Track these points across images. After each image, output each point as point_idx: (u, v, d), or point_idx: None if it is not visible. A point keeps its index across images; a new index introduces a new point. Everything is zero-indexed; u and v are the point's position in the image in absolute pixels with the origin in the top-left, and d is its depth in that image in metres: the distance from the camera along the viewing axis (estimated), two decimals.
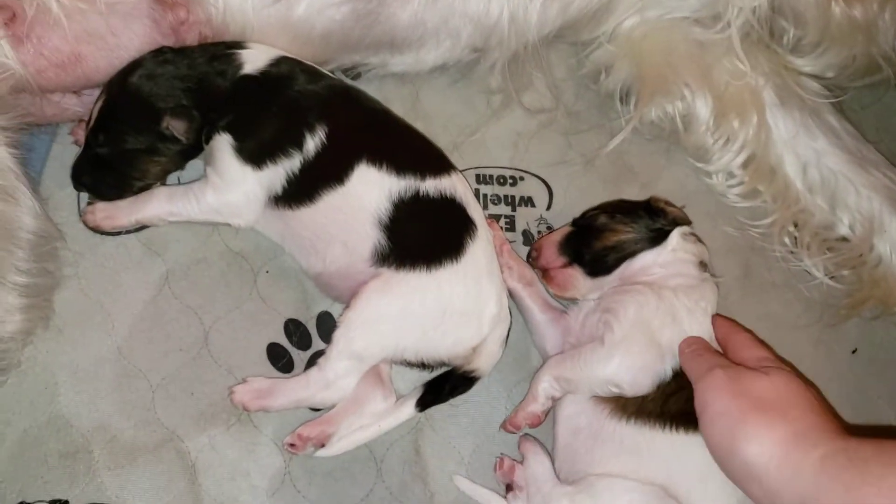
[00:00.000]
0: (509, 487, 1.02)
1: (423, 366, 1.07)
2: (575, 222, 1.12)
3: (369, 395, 1.05)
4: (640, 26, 1.27)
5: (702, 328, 1.01)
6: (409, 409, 1.05)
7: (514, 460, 1.04)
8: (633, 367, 0.97)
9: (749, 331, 1.02)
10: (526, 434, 1.07)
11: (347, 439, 1.03)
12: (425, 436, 1.08)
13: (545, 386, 1.03)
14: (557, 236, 1.10)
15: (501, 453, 1.06)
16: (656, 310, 1.00)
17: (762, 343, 0.99)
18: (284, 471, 1.03)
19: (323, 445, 1.02)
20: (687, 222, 1.11)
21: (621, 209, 1.11)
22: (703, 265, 1.08)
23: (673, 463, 0.94)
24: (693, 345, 0.97)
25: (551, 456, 1.03)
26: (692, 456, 0.93)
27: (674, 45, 1.27)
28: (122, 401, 1.04)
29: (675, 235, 1.07)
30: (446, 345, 1.04)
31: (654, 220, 1.09)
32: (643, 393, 0.97)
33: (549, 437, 1.05)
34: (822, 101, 1.29)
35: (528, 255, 1.12)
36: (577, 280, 1.07)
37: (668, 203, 1.13)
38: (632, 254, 1.07)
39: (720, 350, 1.00)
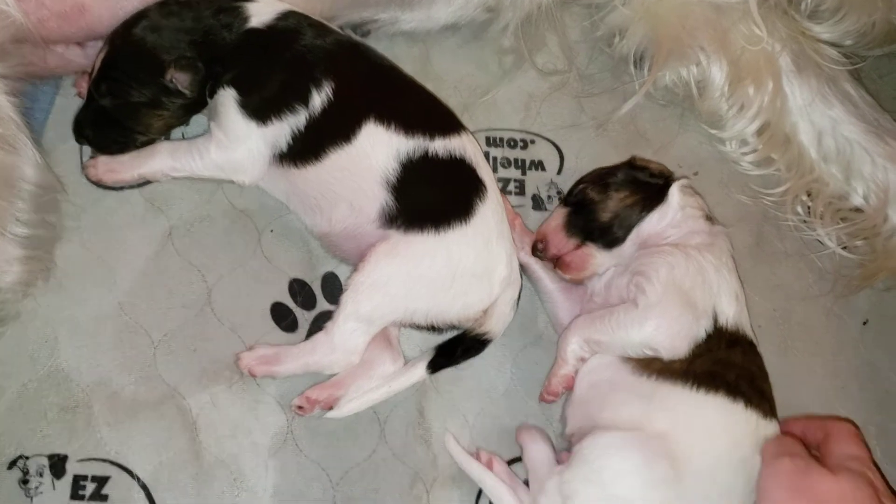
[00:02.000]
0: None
1: (433, 328, 1.06)
2: (567, 202, 1.09)
3: (377, 358, 1.03)
4: None
5: (730, 287, 1.00)
6: (420, 371, 1.04)
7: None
8: (671, 330, 0.95)
9: (853, 424, 0.98)
10: (525, 423, 1.05)
11: (357, 401, 1.02)
12: (429, 398, 1.06)
13: (574, 348, 1.01)
14: (558, 220, 1.07)
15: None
16: (687, 270, 0.98)
17: (860, 440, 0.94)
18: (287, 430, 1.02)
19: (331, 408, 1.01)
20: (671, 173, 1.09)
21: (605, 176, 1.08)
22: (709, 218, 1.07)
23: (682, 416, 0.92)
24: (782, 436, 0.95)
25: (550, 440, 1.02)
26: (705, 415, 0.92)
27: (690, 8, 1.24)
28: (122, 356, 1.03)
29: (675, 191, 1.05)
30: (456, 307, 1.03)
31: (640, 176, 1.07)
32: (680, 356, 0.95)
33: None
34: (839, 69, 1.26)
35: (534, 250, 1.08)
36: (593, 257, 1.05)
37: (646, 160, 1.11)
38: (639, 219, 1.04)
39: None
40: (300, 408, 1.00)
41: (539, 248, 1.07)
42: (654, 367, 0.95)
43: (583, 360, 1.01)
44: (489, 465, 1.00)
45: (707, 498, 0.89)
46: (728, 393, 0.93)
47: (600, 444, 0.92)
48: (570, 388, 1.02)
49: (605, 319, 0.99)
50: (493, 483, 0.98)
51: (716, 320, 0.97)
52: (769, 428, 0.95)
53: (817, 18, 1.28)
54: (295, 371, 1.01)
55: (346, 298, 1.00)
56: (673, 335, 0.95)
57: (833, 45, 1.28)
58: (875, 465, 0.91)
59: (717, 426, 0.92)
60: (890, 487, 0.89)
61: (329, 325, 1.01)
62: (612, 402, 0.96)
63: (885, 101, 1.30)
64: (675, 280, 0.97)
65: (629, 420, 0.93)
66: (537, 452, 1.00)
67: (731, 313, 0.98)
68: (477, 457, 1.01)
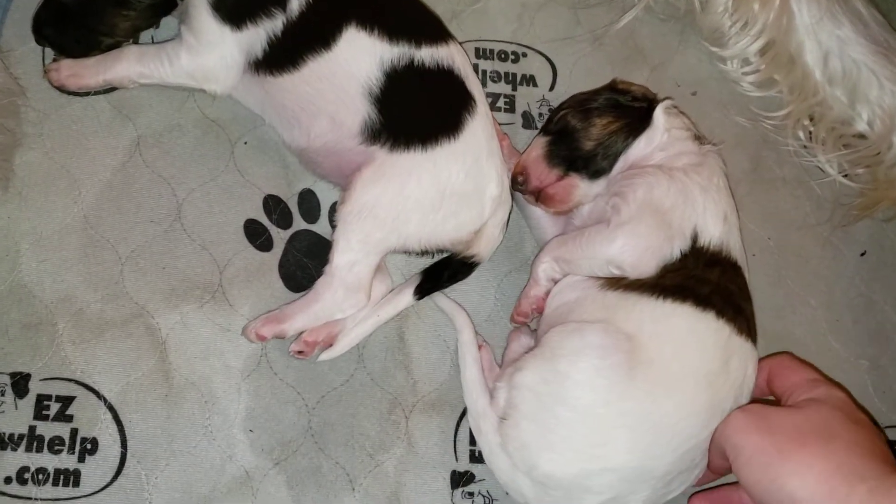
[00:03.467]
0: None
1: (423, 253, 1.02)
2: (547, 130, 1.04)
3: None
4: None
5: (717, 207, 0.96)
6: (407, 297, 1.00)
7: None
8: (638, 248, 0.92)
9: (788, 353, 0.96)
10: (525, 326, 1.03)
11: (348, 337, 0.98)
12: (410, 323, 1.03)
13: (545, 267, 0.99)
14: (539, 150, 1.02)
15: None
16: (668, 191, 0.94)
17: (803, 363, 0.92)
18: (261, 352, 0.98)
19: (330, 345, 0.97)
20: (655, 96, 1.05)
21: (586, 102, 1.03)
22: (698, 138, 1.03)
23: (648, 325, 0.89)
24: None
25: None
26: (671, 323, 0.89)
27: None
28: (88, 272, 0.98)
29: (660, 114, 1.01)
30: (448, 229, 0.98)
31: (622, 100, 1.02)
32: (646, 276, 0.92)
33: None
34: None
35: (514, 183, 1.03)
36: (578, 188, 1.00)
37: (628, 83, 1.06)
38: (624, 146, 1.00)
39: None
40: (300, 352, 0.96)
41: (519, 181, 1.02)
42: (621, 282, 0.93)
43: (554, 280, 0.99)
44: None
45: (659, 410, 0.86)
46: (697, 304, 0.90)
47: (565, 329, 0.90)
48: (541, 311, 0.99)
49: (577, 238, 0.96)
50: (468, 340, 0.99)
51: (696, 241, 0.93)
52: (745, 348, 0.92)
53: None
54: (304, 324, 0.96)
55: (337, 234, 0.95)
56: (639, 254, 0.92)
57: None
58: (831, 381, 0.88)
59: (684, 333, 0.89)
60: (855, 402, 0.86)
61: (327, 267, 0.96)
62: (576, 313, 0.93)
63: None
64: (654, 200, 0.94)
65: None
66: (514, 352, 0.98)
67: (715, 234, 0.94)
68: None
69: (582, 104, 1.03)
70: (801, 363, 0.92)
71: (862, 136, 1.19)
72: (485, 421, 0.93)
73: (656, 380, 0.86)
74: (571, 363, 0.86)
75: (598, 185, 1.01)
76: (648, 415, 0.85)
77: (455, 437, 0.99)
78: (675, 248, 0.93)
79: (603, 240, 0.94)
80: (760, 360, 0.94)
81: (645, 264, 0.92)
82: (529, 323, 1.02)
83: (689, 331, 0.89)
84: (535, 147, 1.02)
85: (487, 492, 0.98)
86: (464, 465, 0.98)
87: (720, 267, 0.94)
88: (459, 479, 0.98)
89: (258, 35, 0.97)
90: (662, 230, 0.92)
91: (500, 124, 1.12)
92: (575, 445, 0.86)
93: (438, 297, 1.03)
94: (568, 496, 0.88)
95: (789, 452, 0.77)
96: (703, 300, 0.90)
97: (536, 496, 0.90)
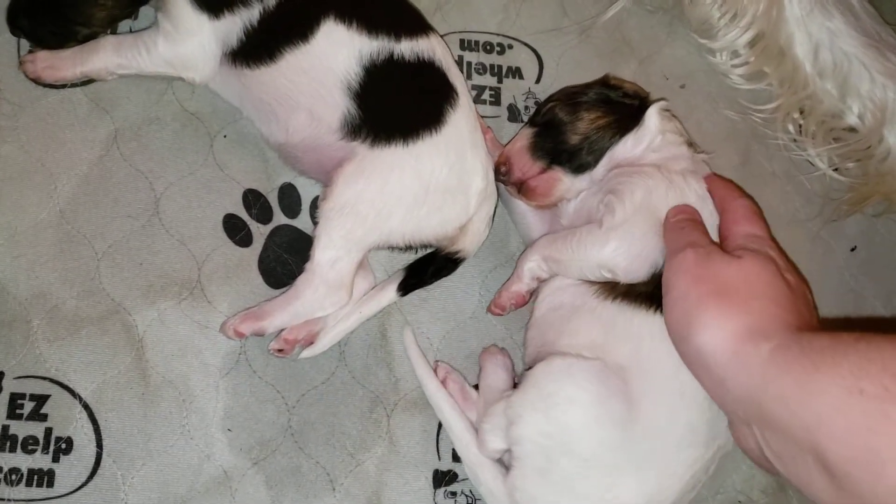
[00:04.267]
0: None
1: (407, 248, 1.00)
2: (534, 122, 1.02)
3: None
4: None
5: (713, 217, 0.93)
6: (390, 293, 0.98)
7: (449, 365, 1.00)
8: (631, 252, 0.90)
9: (750, 198, 0.94)
10: (493, 346, 1.01)
11: (329, 334, 0.96)
12: (393, 320, 1.01)
13: (531, 266, 0.97)
14: (523, 141, 1.00)
15: (437, 361, 1.00)
16: (666, 195, 0.92)
17: (759, 217, 0.92)
18: (239, 350, 0.96)
19: (311, 343, 0.96)
20: (647, 94, 1.03)
21: (575, 95, 1.01)
22: (691, 144, 1.01)
23: (646, 344, 0.87)
24: (678, 215, 0.90)
25: (512, 366, 0.98)
26: (670, 343, 0.86)
27: None
28: (64, 268, 0.96)
29: (653, 115, 0.98)
30: (432, 225, 0.97)
31: (613, 96, 1.00)
32: (638, 281, 0.90)
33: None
34: None
35: (497, 173, 1.01)
36: (561, 182, 0.98)
37: (620, 79, 1.04)
38: (611, 143, 0.98)
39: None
40: (280, 350, 0.94)
41: (502, 172, 1.00)
42: (618, 290, 0.91)
43: (539, 279, 0.97)
44: (443, 382, 0.96)
45: (662, 443, 0.84)
46: None
47: (554, 368, 0.87)
48: (519, 306, 0.98)
49: (567, 238, 0.94)
50: (435, 391, 0.96)
51: None
52: None
53: None
54: (284, 322, 0.94)
55: (319, 230, 0.93)
56: (632, 258, 0.90)
57: None
58: (773, 240, 0.89)
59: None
60: (790, 261, 0.88)
61: (308, 264, 0.94)
62: (571, 327, 0.91)
63: (888, 13, 1.22)
64: (651, 205, 0.91)
65: (588, 348, 0.88)
66: (493, 377, 0.96)
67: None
68: (434, 370, 0.97)
69: (571, 97, 1.01)
70: (757, 217, 0.92)
71: (852, 130, 1.17)
72: (483, 471, 0.91)
73: (658, 413, 0.85)
74: (566, 412, 0.84)
75: (582, 181, 0.98)
76: (654, 451, 0.84)
77: (437, 435, 0.98)
78: None
79: (595, 242, 0.91)
80: (723, 188, 0.95)
81: (637, 269, 0.90)
82: (505, 314, 1.00)
83: None
84: (521, 138, 1.01)
85: (470, 491, 0.96)
86: (446, 464, 0.97)
87: None
88: (442, 479, 0.96)
89: (234, 25, 0.95)
90: (657, 236, 0.90)
91: (485, 117, 1.10)
92: (585, 493, 0.85)
93: (408, 335, 1.00)
94: None
95: (707, 306, 0.78)
96: None
97: None
